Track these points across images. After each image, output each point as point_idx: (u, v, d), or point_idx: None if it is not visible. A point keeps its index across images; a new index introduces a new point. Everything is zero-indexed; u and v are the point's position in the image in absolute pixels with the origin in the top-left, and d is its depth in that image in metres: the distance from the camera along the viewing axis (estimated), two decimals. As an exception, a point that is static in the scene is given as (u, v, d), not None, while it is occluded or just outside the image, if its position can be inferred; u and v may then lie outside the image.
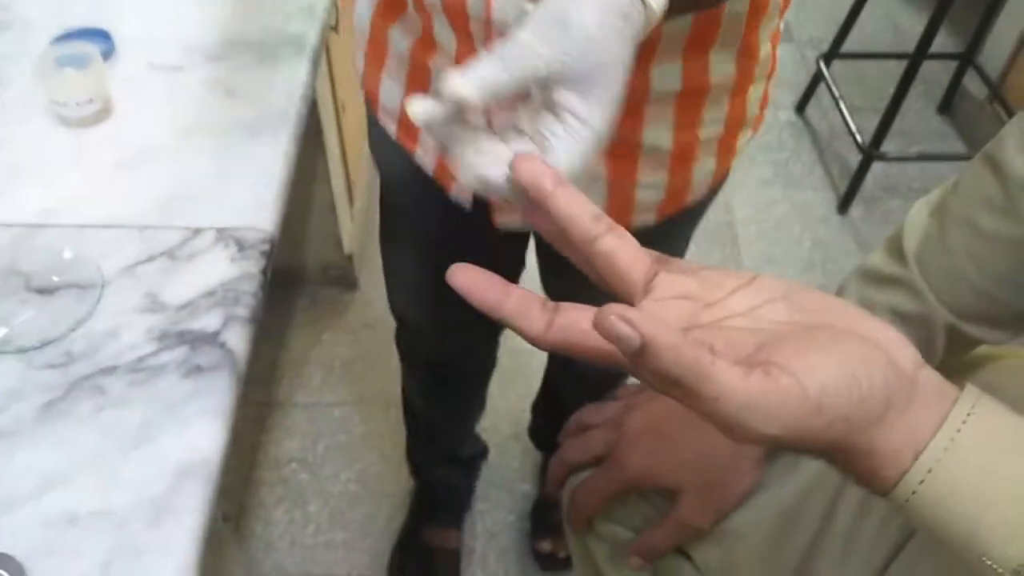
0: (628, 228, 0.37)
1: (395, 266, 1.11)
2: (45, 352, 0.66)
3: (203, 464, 0.61)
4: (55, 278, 0.70)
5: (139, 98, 0.86)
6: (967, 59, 2.19)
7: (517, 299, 0.35)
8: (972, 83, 2.20)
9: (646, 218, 0.80)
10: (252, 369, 0.68)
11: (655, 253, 0.38)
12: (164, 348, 0.67)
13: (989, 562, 0.32)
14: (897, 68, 1.93)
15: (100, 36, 0.90)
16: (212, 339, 0.68)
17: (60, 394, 0.64)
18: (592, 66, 0.38)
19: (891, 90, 1.88)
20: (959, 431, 0.32)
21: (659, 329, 0.28)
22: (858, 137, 2.01)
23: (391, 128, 0.82)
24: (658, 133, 0.72)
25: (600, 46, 0.38)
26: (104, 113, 0.83)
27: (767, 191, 2.11)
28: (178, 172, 0.79)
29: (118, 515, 0.57)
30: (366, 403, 1.66)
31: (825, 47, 2.23)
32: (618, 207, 0.78)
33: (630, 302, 0.36)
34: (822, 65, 2.18)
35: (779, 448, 0.34)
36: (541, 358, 1.49)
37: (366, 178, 1.83)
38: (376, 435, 1.61)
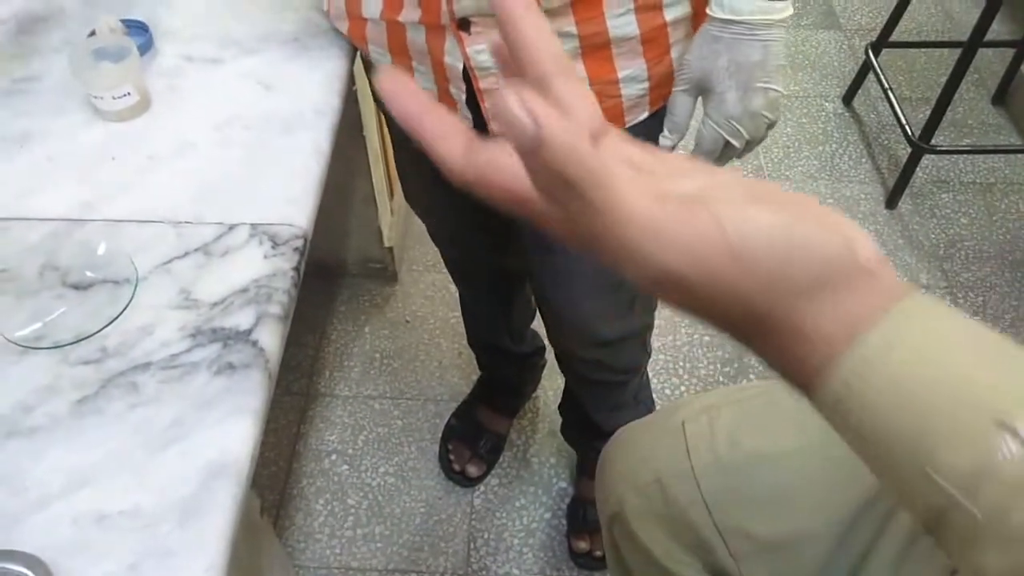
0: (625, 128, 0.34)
1: (411, 196, 1.21)
2: (79, 348, 0.66)
3: (233, 463, 0.60)
4: (90, 274, 0.70)
5: (176, 91, 0.86)
6: (1024, 47, 2.11)
7: (438, 119, 0.30)
8: (1029, 72, 2.13)
9: (638, 113, 0.83)
10: (294, 360, 0.68)
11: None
12: (197, 345, 0.67)
13: (934, 475, 0.26)
14: (949, 57, 1.87)
15: (138, 28, 0.90)
16: (244, 337, 0.67)
17: (93, 391, 0.64)
18: None
19: (943, 80, 1.82)
20: (909, 320, 0.27)
21: (559, 122, 0.25)
22: (908, 129, 1.95)
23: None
24: (622, 20, 0.76)
25: None
26: (141, 106, 0.82)
27: (812, 184, 2.06)
28: (213, 167, 0.79)
29: (147, 515, 0.57)
30: (405, 397, 1.66)
31: (874, 36, 2.16)
32: (608, 109, 0.80)
33: None
34: (871, 54, 2.12)
35: (682, 300, 0.28)
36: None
37: (404, 171, 1.82)
38: (415, 429, 1.61)
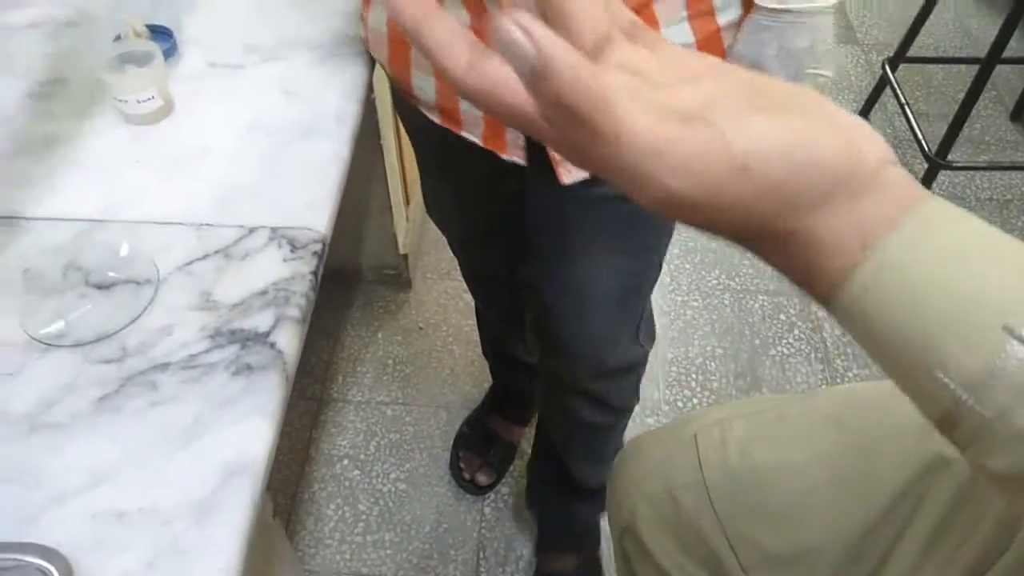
0: None
1: (435, 206, 1.21)
2: (101, 347, 0.67)
3: (251, 464, 0.61)
4: (112, 274, 0.71)
5: (199, 96, 0.87)
6: (1043, 64, 2.11)
7: (444, 28, 0.29)
8: (1048, 89, 2.12)
9: None
10: (308, 364, 0.69)
11: (632, 19, 0.33)
12: (216, 346, 0.67)
13: (943, 376, 0.27)
14: (967, 73, 1.86)
15: (163, 34, 0.91)
16: (262, 339, 0.68)
17: (114, 389, 0.65)
18: None
19: (960, 96, 1.82)
20: (922, 226, 0.27)
21: (561, 48, 0.24)
22: (924, 144, 1.95)
23: (435, 117, 0.85)
24: (677, 29, 0.75)
25: None
26: (165, 110, 0.84)
27: (828, 198, 2.06)
28: (235, 170, 0.80)
29: (165, 512, 0.58)
30: (417, 404, 1.67)
31: (891, 51, 2.16)
32: None
33: None
34: (887, 69, 2.12)
35: (693, 217, 0.28)
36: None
37: (420, 179, 1.84)
38: (426, 436, 1.62)
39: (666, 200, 0.26)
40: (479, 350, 1.58)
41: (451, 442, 1.60)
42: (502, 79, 0.27)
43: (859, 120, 0.29)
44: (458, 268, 1.39)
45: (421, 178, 1.19)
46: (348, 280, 1.83)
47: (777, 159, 0.26)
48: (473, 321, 1.54)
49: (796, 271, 0.29)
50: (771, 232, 0.28)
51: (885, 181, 0.28)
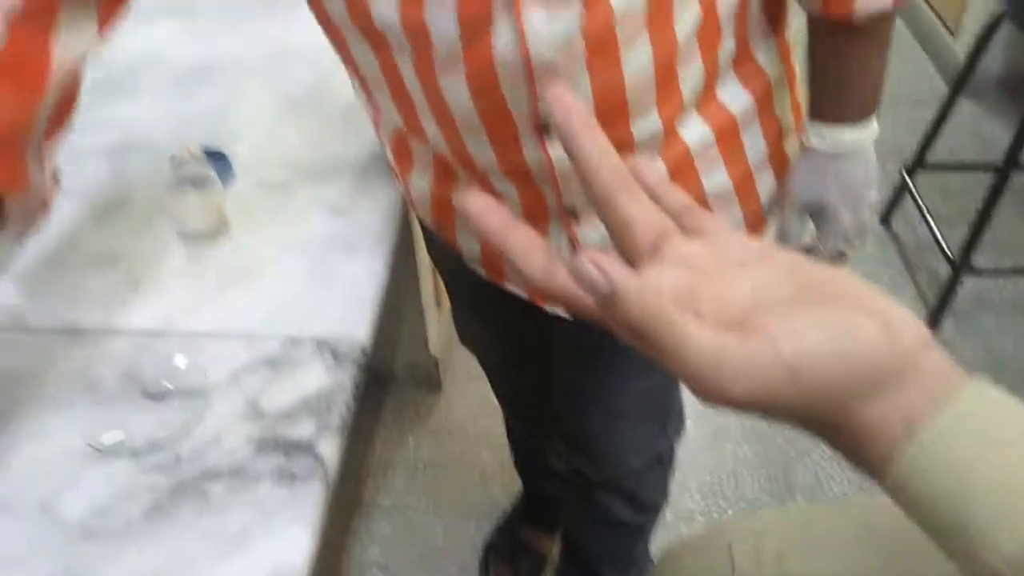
0: None
1: (468, 338, 1.27)
2: (154, 455, 0.70)
3: (291, 573, 0.62)
4: (168, 384, 0.75)
5: (249, 214, 0.93)
6: (1061, 170, 2.15)
7: (523, 236, 0.33)
8: (1068, 194, 2.15)
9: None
10: (341, 468, 0.71)
11: (683, 201, 0.37)
12: (261, 455, 0.70)
13: (985, 555, 0.29)
14: (986, 178, 1.90)
15: (218, 157, 0.98)
16: (306, 448, 0.71)
17: (165, 497, 0.67)
18: None
19: (979, 201, 1.85)
20: (963, 412, 0.30)
21: (628, 279, 0.28)
22: (947, 249, 1.98)
23: (478, 269, 0.91)
24: (717, 177, 0.78)
25: None
26: (220, 229, 0.89)
27: (853, 301, 2.07)
28: (282, 284, 0.84)
29: (213, 620, 0.59)
30: (448, 510, 1.67)
31: (907, 157, 2.22)
32: None
33: (634, 264, 0.35)
34: (905, 176, 2.17)
35: (753, 412, 0.31)
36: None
37: (451, 284, 1.89)
38: (456, 543, 1.61)
39: (728, 402, 0.29)
40: (507, 453, 1.59)
41: (480, 550, 1.59)
42: (573, 284, 0.31)
43: (895, 305, 0.32)
44: (488, 372, 1.42)
45: (452, 309, 1.24)
46: (380, 382, 1.86)
47: (824, 363, 0.29)
48: (502, 424, 1.56)
49: (846, 452, 0.32)
50: (824, 423, 0.31)
51: (925, 368, 0.31)
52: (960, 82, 1.97)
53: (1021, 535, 0.28)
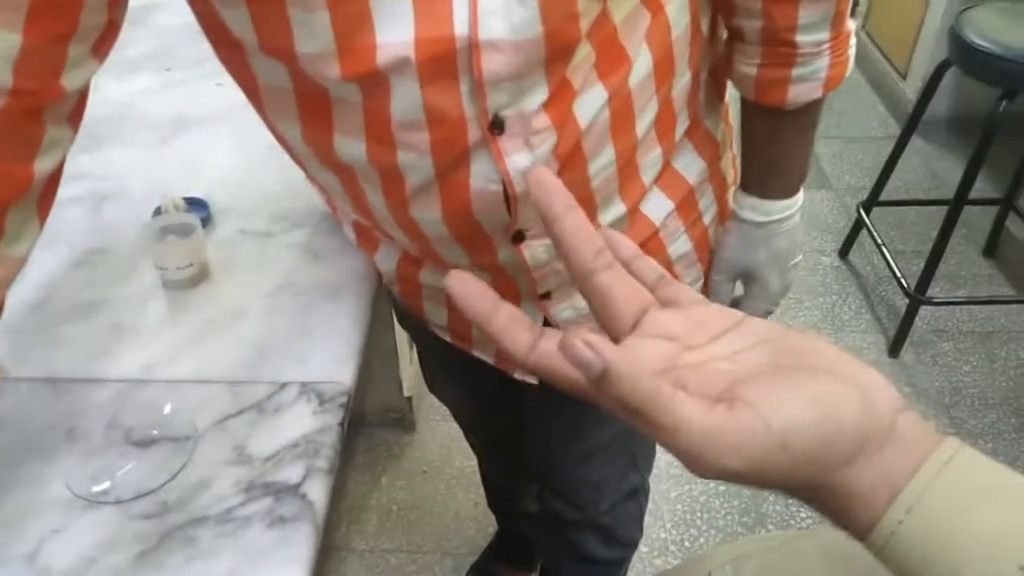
0: None
1: (439, 392, 1.29)
2: (141, 503, 0.70)
3: (286, 615, 0.63)
4: (155, 432, 0.75)
5: (232, 261, 0.94)
6: (1008, 204, 2.24)
7: (507, 317, 0.35)
8: (1016, 226, 2.24)
9: None
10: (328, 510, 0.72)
11: (657, 272, 0.39)
12: (250, 499, 0.71)
13: None
14: (938, 213, 1.98)
15: (198, 204, 0.99)
16: (294, 491, 0.72)
17: (153, 544, 0.68)
18: None
19: (933, 234, 1.93)
20: (939, 473, 0.32)
21: (620, 357, 0.29)
22: (904, 281, 2.04)
23: (446, 337, 0.93)
24: (679, 243, 0.83)
25: None
26: (201, 276, 0.90)
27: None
28: (266, 330, 0.85)
29: (208, 665, 0.60)
30: (422, 551, 1.66)
31: (864, 194, 2.30)
32: None
33: (616, 338, 0.36)
34: (862, 212, 2.25)
35: (746, 483, 0.32)
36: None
37: (423, 325, 1.91)
38: (431, 583, 1.61)
39: (720, 475, 0.31)
40: (481, 492, 1.60)
41: (457, 589, 1.59)
42: (561, 360, 0.33)
43: (870, 371, 0.34)
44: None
45: (421, 364, 1.25)
46: (353, 424, 1.85)
47: (810, 434, 0.31)
48: (475, 463, 1.57)
49: (831, 516, 0.34)
50: (809, 489, 0.33)
51: (902, 432, 0.33)
52: (911, 123, 2.06)
53: None
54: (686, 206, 0.82)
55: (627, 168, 0.73)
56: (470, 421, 1.33)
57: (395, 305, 1.08)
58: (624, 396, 0.30)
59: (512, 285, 0.79)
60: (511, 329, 0.35)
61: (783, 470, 0.32)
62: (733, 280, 0.88)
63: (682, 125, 0.77)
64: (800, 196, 0.83)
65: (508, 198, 0.66)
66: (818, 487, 0.33)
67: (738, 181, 0.90)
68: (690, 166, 0.81)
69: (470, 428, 1.36)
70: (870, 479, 0.32)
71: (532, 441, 1.11)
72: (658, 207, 0.79)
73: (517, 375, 0.91)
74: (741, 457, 0.31)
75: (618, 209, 0.75)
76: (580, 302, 0.81)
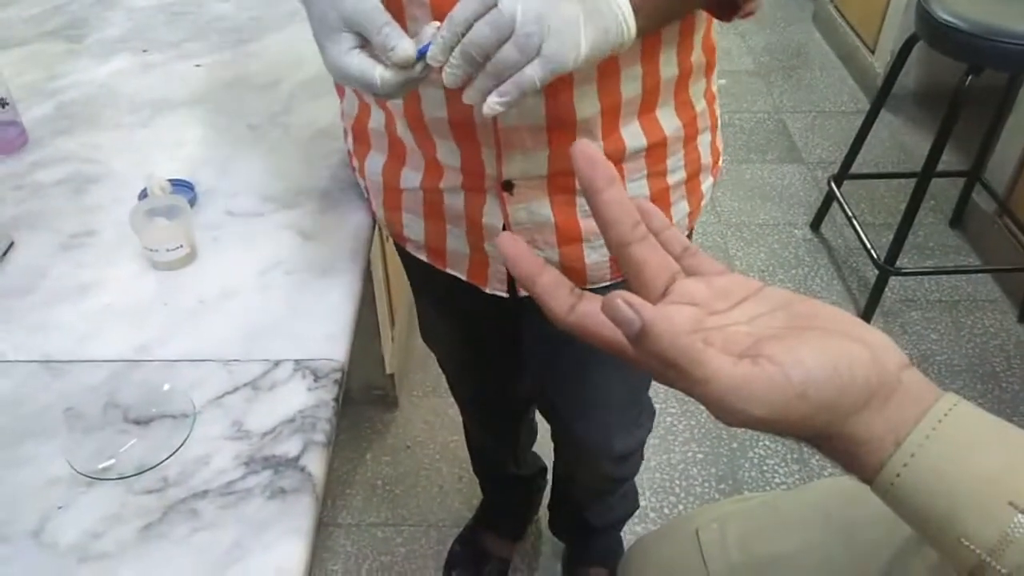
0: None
1: (426, 320, 1.29)
2: (143, 478, 0.72)
3: (290, 581, 0.65)
4: (153, 410, 0.77)
5: (220, 242, 0.95)
6: (974, 176, 2.29)
7: (550, 278, 0.39)
8: (981, 197, 2.30)
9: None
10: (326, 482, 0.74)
11: (683, 244, 0.43)
12: (250, 473, 0.73)
13: (967, 543, 0.34)
14: (907, 185, 2.02)
15: (183, 186, 1.00)
16: (293, 463, 0.74)
17: (157, 517, 0.70)
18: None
19: (902, 207, 1.97)
20: (940, 422, 0.36)
21: (658, 315, 0.33)
22: (873, 253, 2.09)
23: (422, 255, 0.96)
24: (638, 184, 0.86)
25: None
26: (190, 257, 0.91)
27: (789, 305, 2.17)
28: (258, 308, 0.87)
29: (219, 630, 0.62)
30: (408, 524, 1.69)
31: (835, 168, 2.34)
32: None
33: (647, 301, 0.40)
34: (833, 185, 2.29)
35: (768, 430, 0.36)
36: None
37: (406, 301, 1.92)
38: (418, 556, 1.63)
39: (745, 422, 0.35)
40: (467, 467, 1.63)
41: (443, 561, 1.62)
42: (598, 320, 0.37)
43: (877, 332, 0.38)
44: (444, 386, 1.45)
45: (419, 310, 1.28)
46: (336, 403, 1.87)
47: (826, 384, 0.35)
48: (460, 437, 1.59)
49: (842, 461, 0.38)
50: (823, 434, 0.37)
51: (907, 386, 0.37)
52: (880, 97, 2.10)
53: (999, 524, 0.34)
54: (655, 154, 0.85)
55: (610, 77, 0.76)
56: (460, 371, 1.35)
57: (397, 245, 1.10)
58: (663, 351, 0.33)
59: (480, 166, 0.83)
60: (554, 290, 0.39)
61: (801, 417, 0.35)
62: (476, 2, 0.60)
63: (669, 69, 0.80)
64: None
65: None
66: (831, 434, 0.36)
67: (716, 174, 0.95)
68: (667, 119, 0.84)
69: (460, 379, 1.37)
70: (878, 427, 0.36)
71: (544, 381, 1.15)
72: (633, 140, 0.83)
73: (488, 289, 0.94)
74: (764, 405, 0.34)
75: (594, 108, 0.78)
76: (537, 208, 0.85)
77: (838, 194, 2.27)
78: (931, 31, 1.76)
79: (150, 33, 1.37)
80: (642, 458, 1.32)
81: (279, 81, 1.24)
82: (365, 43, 0.64)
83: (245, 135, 1.13)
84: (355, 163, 0.97)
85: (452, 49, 0.60)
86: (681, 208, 0.92)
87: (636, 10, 0.62)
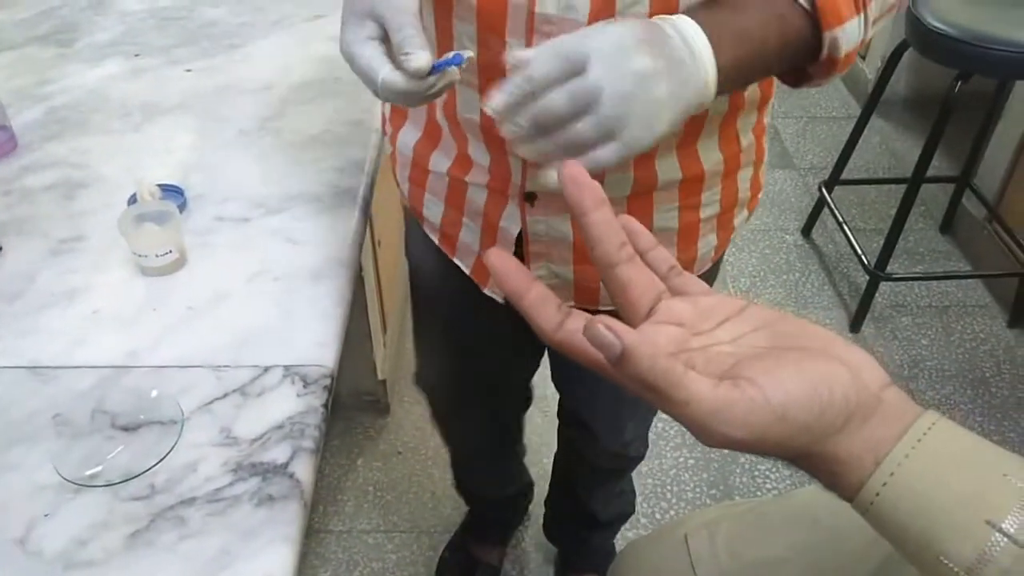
0: None
1: (425, 349, 1.25)
2: (130, 485, 0.72)
3: (278, 589, 0.65)
4: (141, 416, 0.76)
5: (209, 247, 0.95)
6: (963, 182, 2.30)
7: (537, 294, 0.39)
8: (971, 203, 2.31)
9: None
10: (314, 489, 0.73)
11: (669, 263, 0.43)
12: (238, 479, 0.73)
13: (946, 561, 0.35)
14: (897, 191, 2.03)
15: (173, 191, 1.00)
16: (281, 470, 0.74)
17: (144, 524, 0.69)
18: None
19: (893, 212, 1.98)
20: (919, 441, 0.36)
21: (638, 339, 0.33)
22: (864, 258, 2.10)
23: (434, 237, 0.96)
24: (667, 216, 0.84)
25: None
26: (180, 262, 0.91)
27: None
28: (248, 315, 0.87)
29: (205, 638, 0.61)
30: (399, 530, 1.69)
31: (826, 174, 2.35)
32: None
33: (633, 323, 0.41)
34: (824, 191, 2.30)
35: (748, 451, 0.36)
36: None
37: (398, 306, 1.92)
38: (409, 563, 1.63)
39: (725, 443, 0.35)
40: (459, 473, 1.62)
41: (434, 568, 1.62)
42: (583, 339, 0.36)
43: (858, 351, 0.38)
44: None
45: (420, 344, 1.25)
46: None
47: (805, 406, 0.35)
48: (453, 444, 1.59)
49: (823, 479, 0.38)
50: (803, 454, 0.37)
51: (887, 405, 0.37)
52: (871, 103, 2.11)
53: (976, 542, 0.34)
54: (689, 188, 0.82)
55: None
56: (460, 411, 1.30)
57: (414, 274, 1.11)
58: (642, 374, 0.33)
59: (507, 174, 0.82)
60: (541, 307, 0.39)
61: (781, 438, 0.35)
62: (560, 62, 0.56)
63: (719, 104, 0.76)
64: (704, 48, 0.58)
65: None
66: (812, 454, 0.37)
67: (752, 208, 0.92)
68: (708, 152, 0.81)
69: (454, 415, 1.33)
70: (858, 447, 0.36)
71: (563, 379, 1.16)
72: (667, 173, 0.80)
73: (487, 291, 0.93)
74: (744, 427, 0.35)
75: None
76: (556, 224, 0.84)
77: (829, 200, 2.28)
78: (921, 38, 1.77)
79: (141, 38, 1.37)
80: (647, 445, 1.32)
81: (270, 86, 1.23)
82: (387, 37, 0.62)
83: (235, 140, 1.12)
84: (388, 129, 0.96)
85: (517, 104, 0.56)
86: (708, 241, 0.90)
87: (724, 78, 0.57)
